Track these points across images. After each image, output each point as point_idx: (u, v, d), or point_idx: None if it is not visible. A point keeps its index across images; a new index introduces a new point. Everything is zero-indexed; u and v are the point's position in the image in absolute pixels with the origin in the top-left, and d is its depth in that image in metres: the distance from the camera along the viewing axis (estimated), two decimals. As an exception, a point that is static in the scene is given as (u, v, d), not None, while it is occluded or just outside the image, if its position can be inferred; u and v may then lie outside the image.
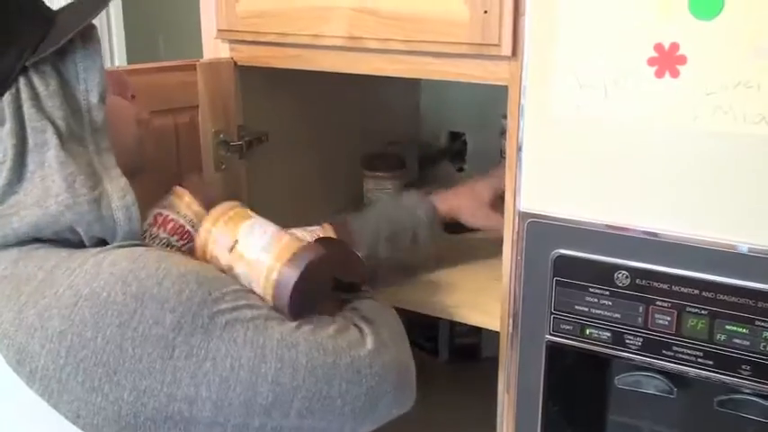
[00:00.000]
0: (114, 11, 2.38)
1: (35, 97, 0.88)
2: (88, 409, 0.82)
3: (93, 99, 0.93)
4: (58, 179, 0.87)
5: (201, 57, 1.34)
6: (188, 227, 1.01)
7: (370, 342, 0.95)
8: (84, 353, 0.81)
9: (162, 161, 1.24)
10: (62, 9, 0.99)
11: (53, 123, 0.88)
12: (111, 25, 2.36)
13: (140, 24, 2.47)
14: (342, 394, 0.90)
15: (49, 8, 0.97)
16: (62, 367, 0.81)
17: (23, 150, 0.87)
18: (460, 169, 1.86)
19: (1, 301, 0.85)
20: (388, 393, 0.96)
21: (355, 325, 0.98)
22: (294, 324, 0.90)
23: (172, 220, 1.01)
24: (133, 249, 0.88)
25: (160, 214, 1.02)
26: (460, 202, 1.27)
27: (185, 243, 1.01)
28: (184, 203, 1.03)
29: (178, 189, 1.05)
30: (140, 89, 1.21)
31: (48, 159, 0.87)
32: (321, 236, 1.14)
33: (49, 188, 0.86)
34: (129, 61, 2.34)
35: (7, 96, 0.87)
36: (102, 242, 0.90)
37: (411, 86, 1.85)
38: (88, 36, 0.94)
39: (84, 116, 0.93)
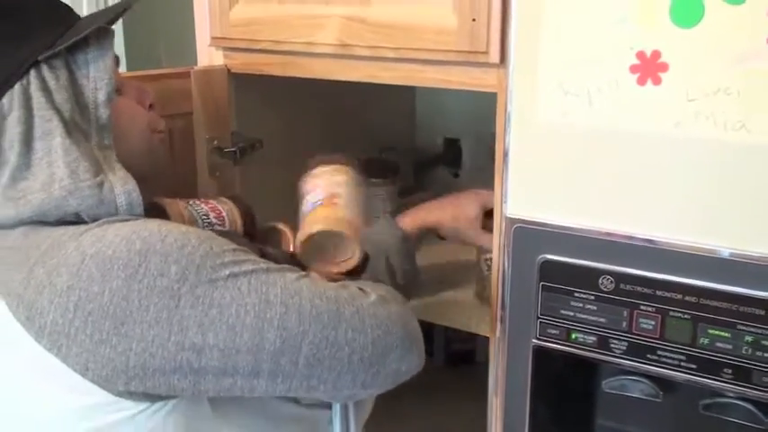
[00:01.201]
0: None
1: (45, 89, 0.92)
2: (97, 361, 0.84)
3: (101, 97, 0.97)
4: (62, 165, 0.90)
5: (197, 62, 1.36)
6: (225, 214, 1.11)
7: (373, 296, 0.97)
8: (92, 306, 0.83)
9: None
10: (87, 15, 1.04)
11: (60, 114, 0.92)
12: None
13: (140, 30, 2.48)
14: (348, 342, 0.91)
15: (73, 13, 1.02)
16: (71, 321, 0.83)
17: (30, 137, 0.91)
18: (456, 175, 1.87)
19: (12, 267, 0.88)
20: (395, 346, 0.96)
21: (356, 287, 0.99)
22: (295, 276, 0.92)
23: (213, 204, 1.11)
24: (136, 220, 0.91)
25: (206, 200, 1.12)
26: (443, 215, 1.24)
27: (219, 223, 1.09)
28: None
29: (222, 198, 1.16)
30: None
31: (54, 146, 0.91)
32: None
33: (54, 173, 0.90)
34: (129, 67, 2.36)
35: (18, 87, 0.91)
36: None
37: (406, 93, 1.86)
38: (103, 37, 0.98)
39: (91, 112, 0.96)
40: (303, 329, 0.89)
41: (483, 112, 1.17)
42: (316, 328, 0.89)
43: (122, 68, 2.38)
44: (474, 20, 1.07)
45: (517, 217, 1.02)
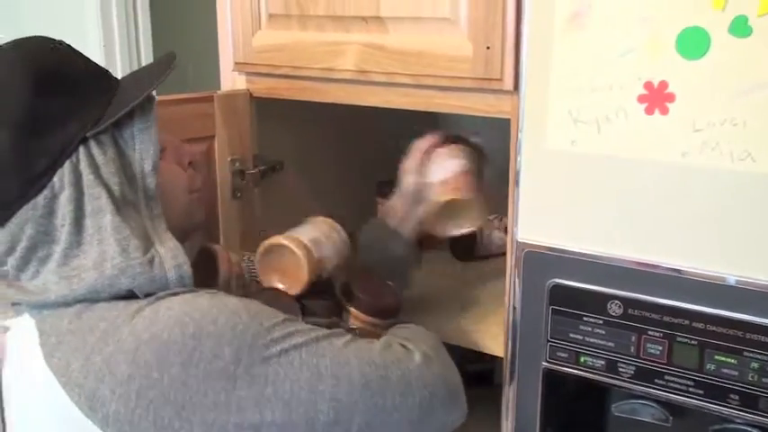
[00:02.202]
0: (143, 39, 2.45)
1: (93, 165, 0.93)
2: None
3: (148, 167, 0.98)
4: (113, 243, 0.91)
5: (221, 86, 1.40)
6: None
7: (417, 356, 1.00)
8: (153, 393, 0.85)
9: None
10: (128, 75, 1.04)
11: (109, 190, 0.93)
12: (140, 53, 2.43)
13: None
14: (397, 407, 0.94)
15: (113, 78, 1.02)
16: (133, 410, 0.85)
17: (81, 215, 0.92)
18: (475, 197, 1.88)
19: (69, 353, 0.89)
20: (440, 405, 1.00)
21: (399, 344, 1.02)
22: (342, 342, 0.95)
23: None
24: (184, 295, 0.91)
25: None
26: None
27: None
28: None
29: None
30: (161, 119, 1.26)
31: (104, 224, 0.91)
32: None
33: (105, 251, 0.91)
34: (158, 89, 2.41)
35: (67, 164, 0.91)
36: None
37: (427, 117, 1.88)
38: (147, 107, 0.99)
39: (138, 183, 0.97)
40: (354, 399, 0.91)
41: (502, 134, 1.19)
42: (365, 396, 0.92)
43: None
44: (488, 47, 1.10)
45: (528, 241, 1.04)
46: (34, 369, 0.92)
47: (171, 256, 0.94)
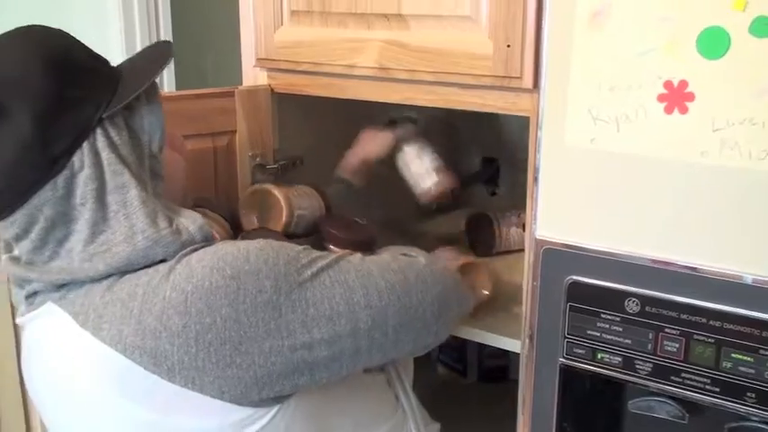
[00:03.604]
0: (164, 33, 2.47)
1: (112, 145, 0.96)
2: (229, 383, 0.92)
3: (155, 148, 1.03)
4: (141, 216, 0.95)
5: (242, 81, 1.42)
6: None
7: (421, 258, 1.12)
8: (210, 336, 0.90)
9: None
10: (122, 64, 1.06)
11: (129, 168, 0.97)
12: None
13: (189, 47, 2.55)
14: (420, 302, 1.04)
15: (110, 65, 1.05)
16: (195, 355, 0.90)
17: (103, 192, 0.95)
18: (493, 193, 1.90)
19: (117, 322, 0.92)
20: (452, 295, 1.12)
21: (401, 253, 1.14)
22: (358, 258, 1.04)
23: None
24: (206, 248, 0.97)
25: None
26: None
27: None
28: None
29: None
30: (182, 114, 1.29)
31: (129, 199, 0.95)
32: None
33: (134, 225, 0.95)
34: (178, 82, 2.42)
35: (86, 145, 0.94)
36: None
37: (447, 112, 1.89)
38: (152, 92, 1.03)
39: (146, 163, 1.01)
40: (384, 303, 1.00)
41: (522, 132, 1.20)
42: (393, 298, 1.01)
43: (171, 85, 2.46)
44: (509, 46, 1.11)
45: (546, 239, 1.04)
46: (83, 351, 0.94)
47: (191, 221, 0.99)
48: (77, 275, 0.94)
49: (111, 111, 0.96)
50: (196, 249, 0.96)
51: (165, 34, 2.47)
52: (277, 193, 1.29)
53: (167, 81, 2.36)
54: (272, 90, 1.38)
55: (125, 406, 0.94)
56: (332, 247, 1.25)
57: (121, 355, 0.91)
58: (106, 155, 0.95)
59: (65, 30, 1.01)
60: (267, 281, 0.92)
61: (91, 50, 1.02)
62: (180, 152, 1.17)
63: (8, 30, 0.99)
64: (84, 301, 0.94)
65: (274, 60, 1.35)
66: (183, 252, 0.95)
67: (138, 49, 2.41)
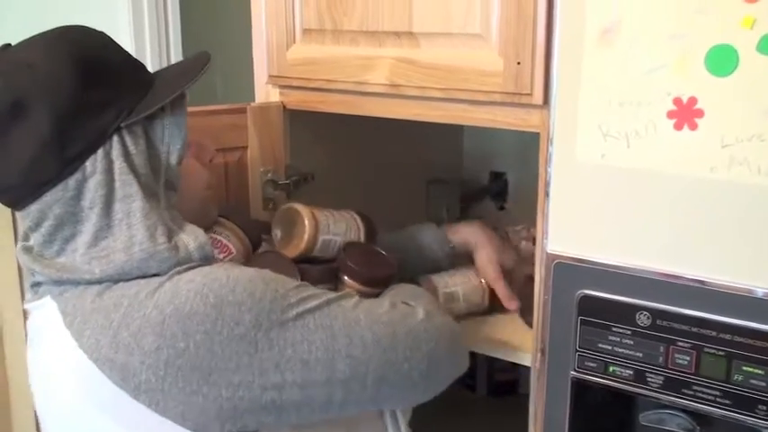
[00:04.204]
0: (174, 51, 2.49)
1: (125, 154, 0.97)
2: (192, 411, 0.91)
3: (173, 161, 1.02)
4: (141, 228, 0.95)
5: (253, 97, 1.43)
6: (225, 241, 1.17)
7: (420, 311, 1.06)
8: (180, 362, 0.90)
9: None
10: (160, 71, 1.08)
11: (138, 178, 0.97)
12: (170, 63, 2.46)
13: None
14: (407, 359, 1.00)
15: (148, 71, 1.06)
16: (163, 378, 0.90)
17: (111, 200, 0.96)
18: (501, 208, 1.91)
19: (96, 331, 0.93)
20: (444, 354, 1.06)
21: (402, 302, 1.08)
22: (352, 304, 1.00)
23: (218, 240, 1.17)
24: (201, 268, 0.96)
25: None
26: (486, 243, 1.36)
27: (226, 255, 1.15)
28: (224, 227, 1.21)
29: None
30: (194, 129, 1.30)
31: (133, 210, 0.96)
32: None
33: (134, 236, 0.95)
34: (190, 101, 2.44)
35: (101, 151, 0.95)
36: None
37: (454, 128, 1.91)
38: (178, 103, 1.03)
39: (162, 174, 1.02)
40: (367, 356, 0.97)
41: (529, 147, 1.22)
42: (377, 351, 0.97)
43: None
44: (519, 63, 1.12)
45: (557, 253, 1.06)
46: (66, 352, 0.95)
47: (192, 238, 0.98)
48: (75, 275, 0.96)
49: (131, 120, 0.97)
50: (192, 268, 0.96)
51: (175, 50, 2.49)
52: (303, 213, 1.24)
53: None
54: (284, 107, 1.39)
55: (97, 416, 0.95)
56: (346, 278, 1.21)
57: (95, 366, 0.92)
58: (119, 163, 0.96)
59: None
60: (248, 314, 0.91)
61: (128, 55, 1.04)
62: (205, 163, 1.17)
63: (50, 28, 1.01)
64: (76, 302, 0.95)
65: (286, 77, 1.36)
66: (178, 269, 0.95)
67: (149, 65, 2.46)
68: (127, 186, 0.96)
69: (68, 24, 1.02)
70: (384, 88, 1.26)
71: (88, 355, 0.92)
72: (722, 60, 0.90)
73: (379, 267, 1.24)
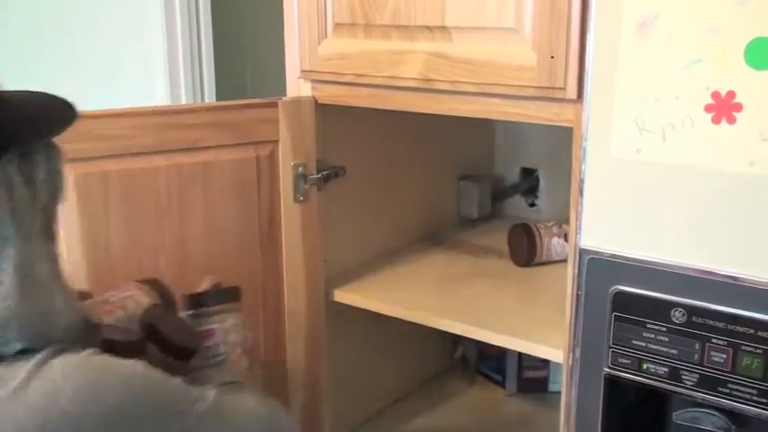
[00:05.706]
0: (205, 46, 2.50)
1: (8, 188, 0.83)
2: None
3: (52, 203, 0.90)
4: (11, 281, 0.82)
5: (284, 92, 1.43)
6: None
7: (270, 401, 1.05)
8: None
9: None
10: (17, 101, 0.88)
11: (16, 219, 0.83)
12: (201, 59, 2.48)
13: (229, 59, 2.58)
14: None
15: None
16: None
17: None
18: (532, 204, 1.90)
19: None
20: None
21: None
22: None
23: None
24: (68, 356, 0.83)
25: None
26: None
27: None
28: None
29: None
30: (226, 123, 1.31)
31: (5, 258, 0.82)
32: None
33: (2, 285, 0.82)
34: (218, 92, 2.45)
35: None
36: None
37: (486, 124, 1.90)
38: (55, 152, 0.90)
39: (40, 221, 0.88)
40: None
41: (560, 143, 1.21)
42: None
43: (212, 93, 2.49)
44: (552, 57, 1.11)
45: (591, 248, 1.05)
46: None
47: (65, 306, 0.87)
48: None
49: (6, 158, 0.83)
50: (64, 350, 0.83)
51: (206, 46, 2.50)
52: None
53: (208, 91, 2.39)
54: (315, 101, 1.39)
55: None
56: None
57: None
58: None
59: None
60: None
61: None
62: None
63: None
64: None
65: (318, 72, 1.36)
66: (47, 352, 0.82)
67: (180, 61, 2.47)
68: (3, 226, 0.82)
69: None
70: (416, 83, 1.25)
71: None
72: (762, 53, 0.88)
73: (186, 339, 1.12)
